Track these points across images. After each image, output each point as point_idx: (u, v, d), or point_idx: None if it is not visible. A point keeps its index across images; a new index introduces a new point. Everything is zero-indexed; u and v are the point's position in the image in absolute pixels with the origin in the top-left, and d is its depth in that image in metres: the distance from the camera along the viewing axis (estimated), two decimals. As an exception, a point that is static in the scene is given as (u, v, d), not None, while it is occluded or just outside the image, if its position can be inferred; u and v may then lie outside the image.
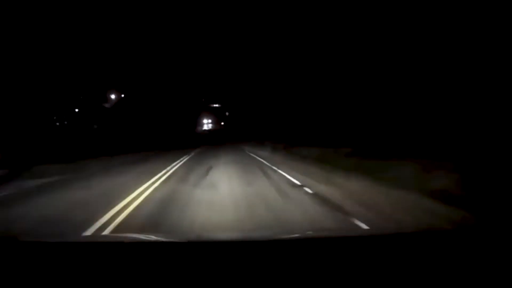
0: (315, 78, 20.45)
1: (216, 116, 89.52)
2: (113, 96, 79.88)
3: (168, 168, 13.12)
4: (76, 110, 60.09)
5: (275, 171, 11.09)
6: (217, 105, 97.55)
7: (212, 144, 44.44)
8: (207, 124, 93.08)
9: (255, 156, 17.87)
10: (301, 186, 7.91)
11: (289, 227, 4.57)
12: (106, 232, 4.80)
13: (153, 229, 4.79)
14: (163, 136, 54.30)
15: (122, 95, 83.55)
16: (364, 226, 4.43)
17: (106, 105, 69.70)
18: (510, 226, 2.20)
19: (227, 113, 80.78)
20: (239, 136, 50.61)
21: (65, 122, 60.43)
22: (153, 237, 2.39)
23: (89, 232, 4.78)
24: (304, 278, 1.33)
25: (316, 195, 6.70)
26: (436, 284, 1.29)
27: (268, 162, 14.42)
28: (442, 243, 1.62)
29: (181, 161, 16.67)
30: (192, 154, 21.56)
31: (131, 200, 6.85)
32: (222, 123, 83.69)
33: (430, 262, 1.40)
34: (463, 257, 1.44)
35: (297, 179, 8.85)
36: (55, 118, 59.53)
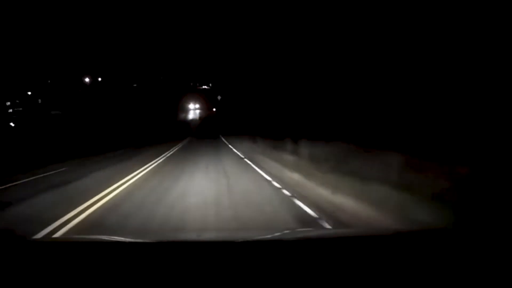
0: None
1: (205, 100, 73.07)
2: (87, 80, 70.96)
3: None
4: (29, 93, 49.57)
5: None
6: (206, 87, 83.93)
7: (199, 138, 33.13)
8: (194, 110, 74.03)
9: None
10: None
11: None
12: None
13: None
14: (133, 127, 42.80)
15: (99, 79, 74.53)
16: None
17: (79, 90, 60.37)
18: (509, 228, 2.05)
19: (219, 97, 68.04)
20: (238, 128, 32.51)
21: (20, 108, 50.87)
22: (119, 238, 2.16)
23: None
24: (292, 281, 1.27)
25: None
26: (433, 285, 1.27)
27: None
28: (438, 243, 1.60)
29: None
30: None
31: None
32: (214, 109, 70.95)
33: (426, 262, 1.37)
34: (460, 257, 1.43)
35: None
36: (8, 104, 49.97)
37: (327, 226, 4.15)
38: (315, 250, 1.55)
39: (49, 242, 2.14)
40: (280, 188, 6.51)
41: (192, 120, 63.02)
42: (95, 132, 34.31)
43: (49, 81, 56.14)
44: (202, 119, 63.37)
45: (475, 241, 1.57)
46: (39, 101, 53.26)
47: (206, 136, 33.98)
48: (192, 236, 2.64)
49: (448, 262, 1.36)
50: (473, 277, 1.26)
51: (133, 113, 50.89)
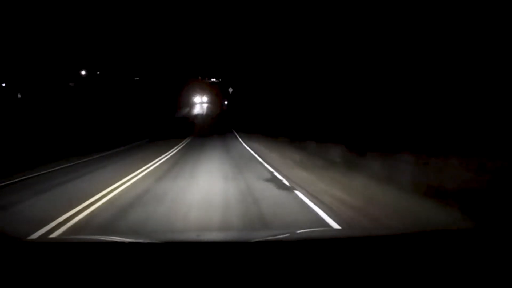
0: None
1: (214, 93, 63.20)
2: (83, 73, 63.97)
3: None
4: (3, 84, 42.14)
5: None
6: (215, 80, 74.20)
7: (204, 136, 24.62)
8: (201, 104, 63.33)
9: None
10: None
11: None
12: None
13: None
14: (121, 124, 34.65)
15: (98, 72, 67.40)
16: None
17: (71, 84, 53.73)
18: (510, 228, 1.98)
19: (230, 89, 58.96)
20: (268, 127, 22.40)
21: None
22: (117, 238, 2.19)
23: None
24: (293, 282, 1.24)
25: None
26: (442, 285, 1.24)
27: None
28: (446, 243, 1.54)
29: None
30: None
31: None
32: (226, 102, 61.47)
33: (434, 263, 1.33)
34: (466, 258, 1.38)
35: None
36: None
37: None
38: (320, 250, 1.49)
39: (46, 243, 2.12)
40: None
41: (197, 115, 53.99)
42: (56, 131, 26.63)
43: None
44: (209, 114, 54.54)
45: (483, 242, 1.49)
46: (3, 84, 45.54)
47: (215, 134, 25.39)
48: (191, 236, 2.55)
49: (455, 263, 1.32)
50: (479, 278, 1.22)
51: (127, 108, 43.17)
